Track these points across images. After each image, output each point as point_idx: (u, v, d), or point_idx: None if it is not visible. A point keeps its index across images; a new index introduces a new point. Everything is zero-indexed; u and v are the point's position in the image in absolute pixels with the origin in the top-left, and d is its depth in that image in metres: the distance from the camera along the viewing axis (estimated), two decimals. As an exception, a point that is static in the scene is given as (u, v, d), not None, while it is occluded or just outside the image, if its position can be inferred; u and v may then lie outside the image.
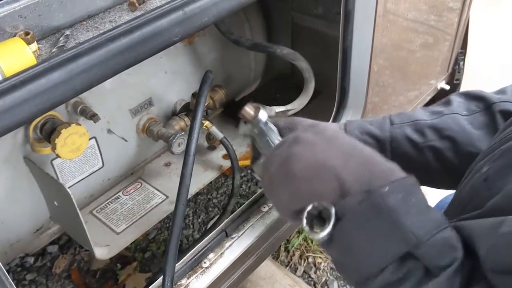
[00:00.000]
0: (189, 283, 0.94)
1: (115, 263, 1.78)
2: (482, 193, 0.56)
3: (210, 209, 1.98)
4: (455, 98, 0.79)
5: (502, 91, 0.78)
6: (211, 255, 0.98)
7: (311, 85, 1.16)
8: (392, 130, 0.77)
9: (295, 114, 1.22)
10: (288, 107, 1.17)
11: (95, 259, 1.80)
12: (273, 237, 1.05)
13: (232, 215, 1.01)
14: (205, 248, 0.97)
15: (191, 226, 1.94)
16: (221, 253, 0.98)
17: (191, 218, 1.96)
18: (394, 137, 0.77)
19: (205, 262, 0.96)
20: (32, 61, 0.62)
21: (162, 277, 0.85)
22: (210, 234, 0.98)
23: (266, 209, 1.04)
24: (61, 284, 1.74)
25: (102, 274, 1.77)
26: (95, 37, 0.65)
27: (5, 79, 0.58)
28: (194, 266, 0.96)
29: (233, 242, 0.99)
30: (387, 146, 0.77)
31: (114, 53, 0.65)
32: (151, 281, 1.42)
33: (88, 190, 1.18)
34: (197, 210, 1.98)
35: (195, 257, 0.96)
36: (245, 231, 1.01)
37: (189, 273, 0.95)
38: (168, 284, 0.83)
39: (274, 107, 1.16)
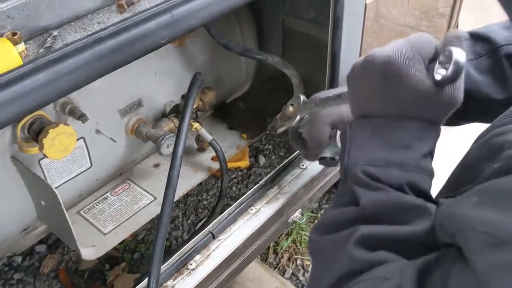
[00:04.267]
0: (174, 284, 0.94)
1: (104, 263, 1.78)
2: (465, 177, 0.58)
3: (200, 210, 1.99)
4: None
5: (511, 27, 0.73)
6: (197, 257, 0.98)
7: (300, 91, 1.16)
8: None
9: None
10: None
11: (83, 259, 1.80)
12: (260, 240, 1.05)
13: (219, 217, 1.01)
14: (192, 249, 0.97)
15: (181, 227, 1.94)
16: (208, 255, 0.98)
17: (180, 219, 1.96)
18: None
19: (191, 264, 0.97)
20: (18, 61, 0.62)
21: (147, 278, 0.85)
22: (197, 236, 0.99)
23: (253, 211, 1.04)
24: (49, 284, 1.73)
25: (90, 275, 1.77)
26: (82, 39, 0.66)
27: (-10, 80, 0.58)
28: (180, 268, 0.96)
29: (219, 244, 1.00)
30: None
31: (100, 55, 0.65)
32: (137, 282, 1.42)
33: (76, 190, 1.18)
34: (187, 211, 1.98)
35: (181, 259, 0.96)
36: (232, 233, 1.01)
37: (175, 274, 0.96)
38: (154, 286, 0.83)
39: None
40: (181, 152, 0.91)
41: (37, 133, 0.97)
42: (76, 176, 1.15)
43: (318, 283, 0.56)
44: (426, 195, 0.57)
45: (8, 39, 0.68)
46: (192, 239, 0.99)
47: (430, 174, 0.59)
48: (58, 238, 1.87)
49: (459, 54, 0.54)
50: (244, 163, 1.86)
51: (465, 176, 0.58)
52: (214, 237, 1.00)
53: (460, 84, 0.57)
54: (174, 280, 0.95)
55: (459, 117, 0.66)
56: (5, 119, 0.58)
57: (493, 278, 0.38)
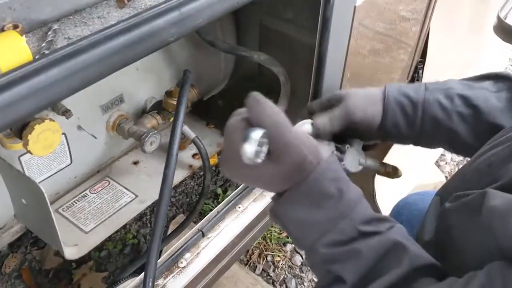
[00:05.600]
0: (166, 283, 0.94)
1: (70, 262, 1.73)
2: (485, 178, 0.61)
3: (168, 207, 1.97)
4: (486, 80, 0.88)
5: None
6: (187, 255, 0.98)
7: (287, 88, 1.18)
8: (426, 93, 0.86)
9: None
10: None
11: (48, 257, 1.75)
12: (248, 237, 1.07)
13: (208, 216, 1.02)
14: (182, 248, 0.97)
15: (149, 225, 1.92)
16: (198, 253, 0.98)
17: (148, 216, 1.94)
18: (427, 100, 0.86)
19: (181, 262, 0.97)
20: (29, 55, 0.60)
21: (143, 276, 0.84)
22: (187, 234, 0.98)
23: (241, 209, 1.05)
24: (11, 284, 1.67)
25: (55, 274, 1.72)
26: (93, 34, 0.64)
27: (3, 75, 0.56)
28: (170, 266, 0.96)
29: (209, 242, 1.00)
30: (419, 107, 0.86)
31: (113, 52, 0.64)
32: (113, 281, 1.39)
33: (54, 188, 1.15)
34: (155, 208, 1.95)
35: (172, 257, 0.96)
36: (221, 231, 1.01)
37: (166, 273, 0.95)
38: (150, 285, 0.83)
39: None
40: (176, 150, 0.90)
41: (20, 129, 0.94)
42: (55, 173, 1.11)
43: None
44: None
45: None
46: (173, 237, 0.99)
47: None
48: (20, 237, 1.80)
49: None
50: (213, 161, 1.85)
51: (487, 175, 0.62)
52: (203, 235, 1.00)
53: None
54: (165, 279, 0.94)
55: (473, 141, 0.80)
56: (20, 115, 0.56)
57: None
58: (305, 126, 0.86)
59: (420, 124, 0.86)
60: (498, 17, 1.22)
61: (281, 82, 1.14)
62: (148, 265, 0.84)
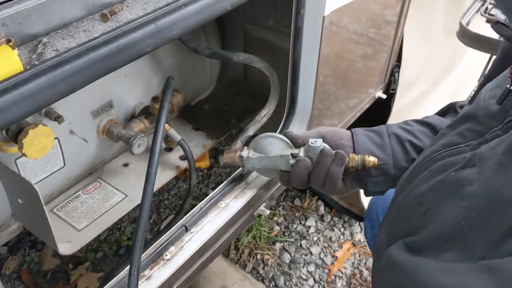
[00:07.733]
0: (151, 274, 1.01)
1: (67, 263, 1.81)
2: (416, 216, 0.62)
3: (161, 210, 2.05)
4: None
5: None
6: (172, 248, 1.05)
7: (275, 78, 1.25)
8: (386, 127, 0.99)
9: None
10: (266, 110, 1.26)
11: (46, 259, 1.82)
12: (229, 232, 1.14)
13: (191, 211, 1.09)
14: (166, 241, 1.04)
15: (143, 227, 1.99)
16: (181, 246, 1.06)
17: (142, 218, 2.01)
18: (387, 127, 0.98)
19: (166, 255, 1.04)
20: (20, 66, 0.68)
21: (129, 266, 0.92)
22: (171, 229, 1.06)
23: (223, 205, 1.13)
24: (11, 285, 1.74)
25: (53, 275, 1.79)
26: (77, 46, 0.72)
27: (-3, 83, 0.64)
28: (156, 258, 1.03)
29: (192, 236, 1.07)
30: (384, 134, 0.96)
31: (94, 62, 0.72)
32: (107, 277, 1.47)
33: (49, 189, 1.22)
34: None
35: (157, 250, 1.03)
36: (203, 226, 1.09)
37: (152, 264, 1.02)
38: (135, 274, 0.90)
39: (249, 128, 1.25)
40: (158, 150, 0.98)
41: (16, 133, 1.02)
42: (49, 175, 1.19)
43: None
44: None
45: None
46: (165, 233, 1.06)
47: None
48: (19, 239, 1.88)
49: None
50: (205, 164, 1.93)
51: (417, 216, 0.62)
52: (187, 229, 1.07)
53: None
54: (151, 270, 1.02)
55: None
56: (12, 118, 0.64)
57: None
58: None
59: (390, 148, 0.93)
60: (461, 24, 1.30)
61: (268, 75, 1.22)
62: (133, 254, 0.91)
